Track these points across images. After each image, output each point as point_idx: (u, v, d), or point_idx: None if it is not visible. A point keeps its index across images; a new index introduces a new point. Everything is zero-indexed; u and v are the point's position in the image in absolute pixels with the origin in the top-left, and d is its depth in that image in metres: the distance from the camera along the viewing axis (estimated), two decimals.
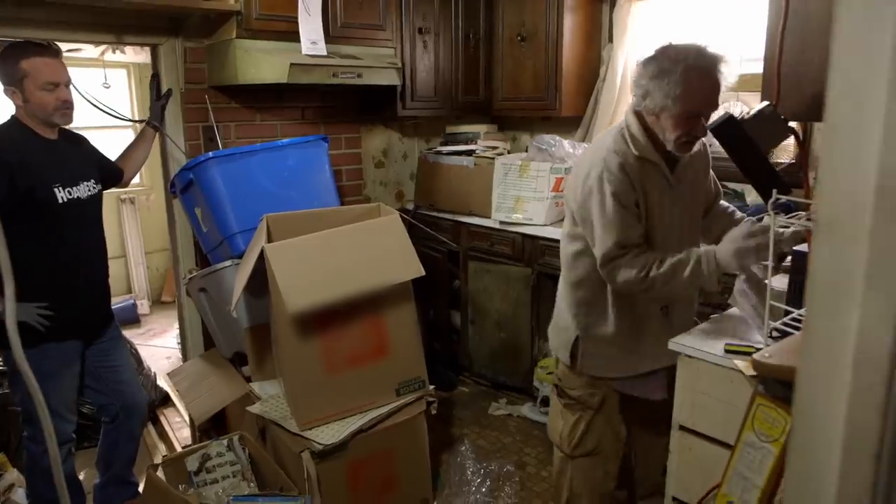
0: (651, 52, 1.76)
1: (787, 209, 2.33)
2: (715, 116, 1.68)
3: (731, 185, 3.06)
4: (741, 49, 3.01)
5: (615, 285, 1.84)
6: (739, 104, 2.99)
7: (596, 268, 1.89)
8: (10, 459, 3.07)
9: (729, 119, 1.47)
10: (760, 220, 1.88)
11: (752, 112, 1.49)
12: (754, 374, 0.92)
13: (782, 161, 2.80)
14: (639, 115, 1.83)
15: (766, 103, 1.49)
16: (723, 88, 1.72)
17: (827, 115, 0.50)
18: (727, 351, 1.48)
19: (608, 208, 1.77)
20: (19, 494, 2.89)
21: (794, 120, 1.61)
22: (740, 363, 1.36)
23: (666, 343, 1.91)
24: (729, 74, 1.71)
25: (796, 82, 1.59)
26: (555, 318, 2.14)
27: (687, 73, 1.65)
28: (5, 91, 2.28)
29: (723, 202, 2.16)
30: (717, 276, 1.72)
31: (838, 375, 0.49)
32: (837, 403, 0.49)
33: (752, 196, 2.94)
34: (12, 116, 2.32)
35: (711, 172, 2.08)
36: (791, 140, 2.69)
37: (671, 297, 1.92)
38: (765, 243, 1.55)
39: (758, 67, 2.91)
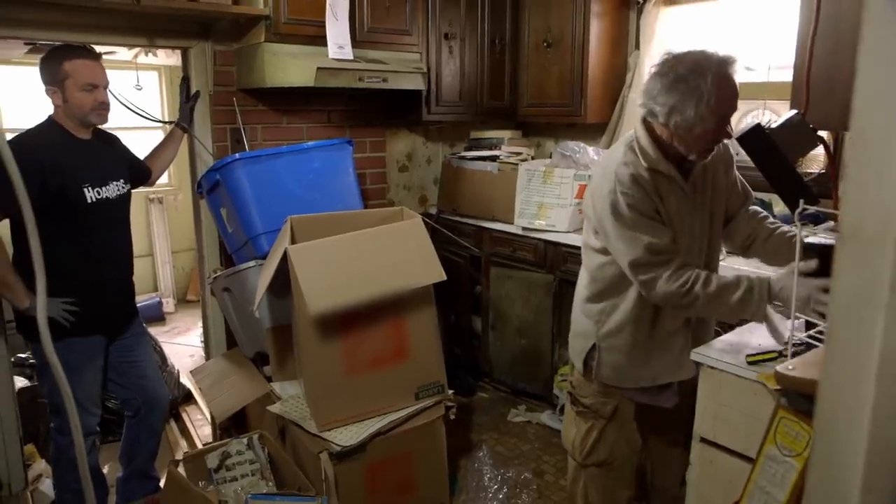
0: (662, 66, 1.68)
1: (815, 220, 2.29)
2: (738, 125, 1.65)
3: (759, 194, 3.01)
4: (770, 57, 2.98)
5: (654, 297, 1.76)
6: (767, 113, 2.95)
7: (618, 279, 1.87)
8: (38, 450, 3.13)
9: (756, 128, 1.45)
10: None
11: (780, 121, 1.47)
12: (777, 387, 0.90)
13: (811, 171, 2.75)
14: (648, 126, 1.79)
15: (794, 112, 1.46)
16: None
17: (853, 123, 0.49)
18: (749, 363, 1.46)
19: (628, 220, 1.73)
20: (46, 485, 2.95)
21: (824, 129, 1.58)
22: (764, 377, 1.33)
23: (685, 357, 1.88)
24: (740, 74, 1.67)
25: (826, 90, 1.57)
26: (572, 325, 2.12)
27: (718, 81, 1.60)
28: (46, 91, 2.36)
29: (757, 209, 2.04)
30: (766, 308, 1.64)
31: (862, 387, 0.48)
32: (860, 416, 0.48)
33: (779, 206, 2.88)
34: (49, 117, 2.40)
35: (737, 174, 1.99)
36: (820, 150, 2.65)
37: (707, 316, 1.88)
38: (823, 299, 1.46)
39: (787, 76, 2.88)
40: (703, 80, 1.59)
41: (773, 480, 0.90)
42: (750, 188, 2.05)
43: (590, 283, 1.99)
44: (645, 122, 1.80)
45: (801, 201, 1.26)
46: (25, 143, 2.29)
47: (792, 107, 1.70)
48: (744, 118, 3.08)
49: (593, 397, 2.02)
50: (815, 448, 0.53)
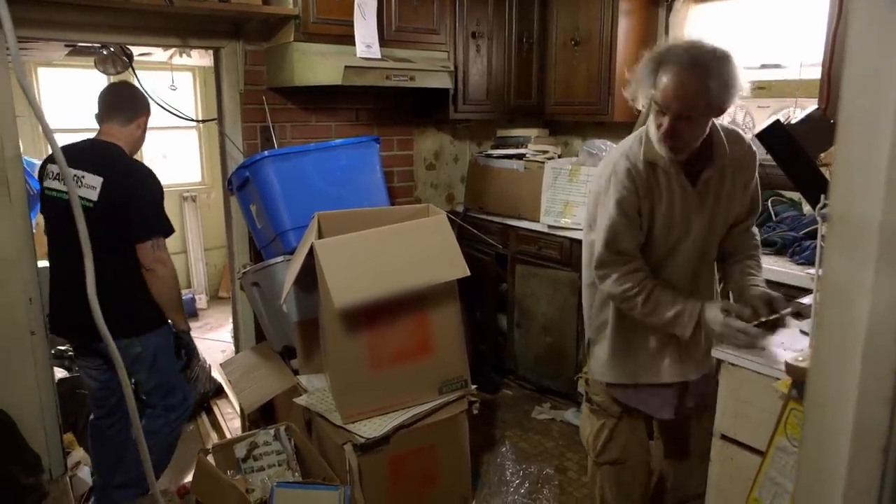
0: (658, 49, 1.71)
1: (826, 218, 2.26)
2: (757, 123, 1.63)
3: (788, 194, 2.98)
4: (802, 54, 2.94)
5: (602, 291, 1.87)
6: (798, 111, 2.91)
7: None
8: (77, 439, 3.24)
9: (775, 124, 1.44)
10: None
11: (800, 117, 1.46)
12: (786, 391, 0.90)
13: None
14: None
15: (815, 107, 1.45)
16: (714, 91, 1.58)
17: (841, 110, 0.51)
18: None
19: (610, 212, 1.77)
20: (84, 472, 3.05)
21: None
22: (783, 385, 1.30)
23: (668, 359, 1.90)
24: (728, 80, 1.58)
25: None
26: None
27: (673, 67, 1.59)
28: (134, 121, 2.41)
29: (754, 232, 2.02)
30: (691, 330, 1.75)
31: (848, 367, 0.50)
32: (847, 395, 0.50)
33: (808, 206, 2.85)
34: (117, 147, 2.34)
35: (756, 184, 1.94)
36: None
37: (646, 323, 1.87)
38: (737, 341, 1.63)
39: (817, 73, 2.84)
40: (665, 62, 1.62)
41: (783, 471, 0.90)
42: (760, 205, 2.01)
43: (587, 277, 2.01)
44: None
45: (823, 197, 1.25)
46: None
47: (818, 103, 1.68)
48: (772, 116, 3.04)
49: (602, 395, 2.03)
50: (807, 426, 0.54)
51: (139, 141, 2.40)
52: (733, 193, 1.86)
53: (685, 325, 1.74)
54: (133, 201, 2.22)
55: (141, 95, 2.43)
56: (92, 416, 2.63)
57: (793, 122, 1.45)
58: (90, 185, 2.15)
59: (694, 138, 1.68)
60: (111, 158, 2.27)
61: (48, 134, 0.85)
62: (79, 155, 2.21)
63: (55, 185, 2.23)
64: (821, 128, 1.42)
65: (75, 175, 2.16)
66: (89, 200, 2.15)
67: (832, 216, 0.51)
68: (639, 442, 2.04)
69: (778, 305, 1.73)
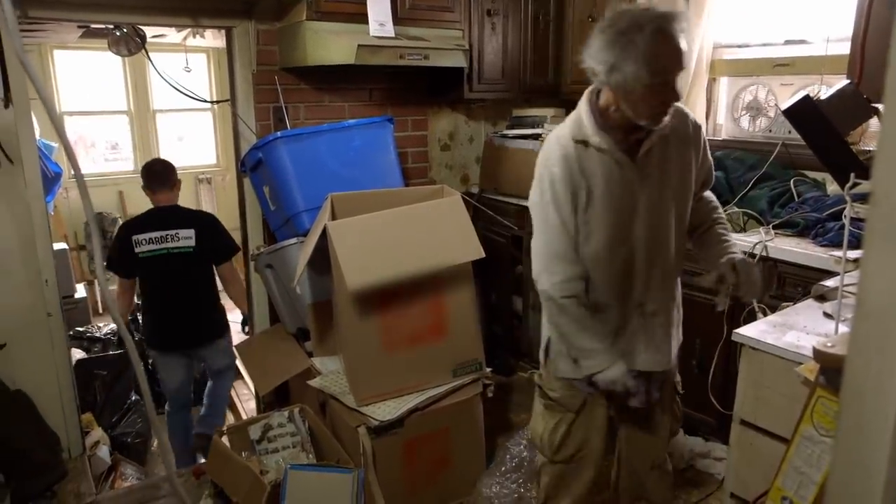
0: (603, 22, 1.57)
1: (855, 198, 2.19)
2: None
3: (811, 174, 2.91)
4: (828, 29, 2.84)
5: (538, 286, 1.78)
6: (824, 88, 2.82)
7: None
8: (95, 419, 3.29)
9: (804, 100, 1.38)
10: None
11: (832, 92, 1.40)
12: (809, 377, 0.86)
13: (869, 148, 2.63)
14: (591, 96, 1.69)
15: (846, 82, 1.39)
16: (686, 49, 1.53)
17: (890, 80, 0.47)
18: None
19: (545, 209, 1.69)
20: (103, 451, 3.09)
21: (879, 102, 1.50)
22: (806, 369, 1.26)
23: (651, 345, 1.80)
24: (686, 34, 1.53)
25: (883, 60, 1.48)
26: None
27: (653, 35, 1.48)
28: (174, 187, 3.12)
29: (710, 195, 1.93)
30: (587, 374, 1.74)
31: (890, 355, 0.46)
32: (889, 385, 0.46)
33: (832, 186, 2.77)
34: (180, 207, 3.11)
35: (707, 155, 1.84)
36: (878, 124, 2.53)
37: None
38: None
39: (844, 48, 2.75)
40: (640, 35, 1.47)
41: (808, 461, 0.87)
42: (713, 173, 1.91)
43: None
44: (591, 94, 1.69)
45: (853, 176, 1.20)
46: None
47: (847, 77, 1.62)
48: (798, 93, 2.95)
49: (560, 391, 1.91)
50: (842, 419, 0.50)
51: (178, 197, 3.09)
52: (683, 169, 1.75)
53: (596, 366, 1.71)
54: (217, 239, 3.07)
55: (173, 167, 3.09)
56: (168, 411, 3.27)
57: (822, 97, 1.39)
58: (186, 237, 2.93)
59: (678, 99, 1.61)
60: (188, 216, 3.03)
61: (51, 114, 0.83)
62: (165, 220, 2.95)
63: (149, 247, 2.91)
64: (853, 103, 1.37)
65: (170, 234, 2.93)
66: (189, 247, 2.95)
67: (875, 195, 0.47)
68: (598, 436, 1.93)
69: (742, 269, 1.69)
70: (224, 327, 3.24)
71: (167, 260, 2.90)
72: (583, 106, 1.69)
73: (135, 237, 2.89)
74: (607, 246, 1.71)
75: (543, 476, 2.04)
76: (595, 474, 1.98)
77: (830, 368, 0.83)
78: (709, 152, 1.83)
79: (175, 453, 3.15)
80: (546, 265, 1.74)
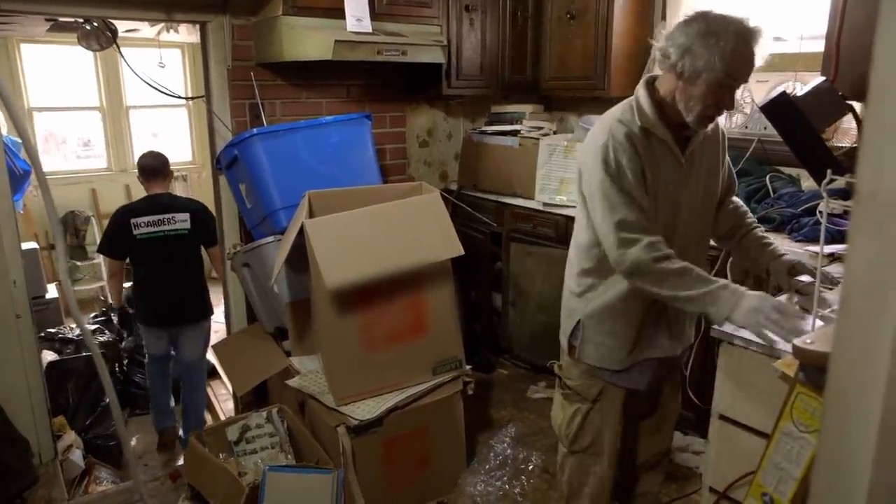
0: (691, 15, 1.62)
1: (844, 195, 2.22)
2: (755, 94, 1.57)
3: (787, 170, 2.94)
4: (802, 26, 2.88)
5: (625, 260, 1.66)
6: (798, 84, 2.85)
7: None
8: (68, 422, 3.21)
9: (781, 96, 1.39)
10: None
11: (807, 89, 1.41)
12: (791, 374, 0.87)
13: (842, 144, 2.66)
14: (650, 87, 1.73)
15: (822, 79, 1.40)
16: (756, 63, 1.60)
17: (872, 77, 0.46)
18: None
19: (619, 177, 1.66)
20: (76, 455, 3.02)
21: (854, 99, 1.51)
22: (783, 364, 1.26)
23: (668, 330, 1.86)
24: (762, 52, 1.59)
25: (858, 57, 1.50)
26: (563, 303, 2.01)
27: (739, 37, 1.54)
28: (167, 178, 3.41)
29: (737, 200, 1.98)
30: (727, 311, 1.57)
31: (875, 357, 0.45)
32: (874, 387, 0.46)
33: (807, 182, 2.81)
34: (174, 195, 3.42)
35: (728, 161, 1.92)
36: (851, 122, 2.56)
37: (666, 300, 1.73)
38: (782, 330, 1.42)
39: (817, 46, 2.77)
40: (726, 30, 1.53)
41: (788, 457, 0.87)
42: (736, 179, 1.98)
43: (580, 257, 1.88)
44: (647, 84, 1.74)
45: (829, 172, 1.21)
46: None
47: (822, 75, 1.63)
48: (773, 90, 2.98)
49: (578, 379, 1.94)
50: (826, 420, 0.50)
51: (170, 186, 3.35)
52: (712, 171, 1.83)
53: (725, 303, 1.57)
54: (209, 223, 3.29)
55: (167, 159, 3.35)
56: (147, 370, 3.56)
57: (798, 94, 1.40)
58: (182, 220, 3.20)
59: (731, 109, 1.69)
60: (183, 202, 3.31)
61: (10, 109, 0.79)
62: (162, 205, 3.20)
63: (147, 229, 3.15)
64: (828, 100, 1.38)
65: (167, 217, 3.18)
66: (185, 229, 3.21)
67: (859, 193, 0.46)
68: (611, 429, 1.96)
69: (802, 269, 1.74)
70: (209, 309, 3.47)
71: (164, 241, 3.16)
72: (642, 95, 1.71)
73: (133, 220, 3.13)
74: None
75: (565, 469, 2.07)
76: (615, 466, 2.01)
77: (810, 365, 0.84)
78: (728, 159, 1.91)
79: (158, 412, 3.46)
80: (623, 239, 1.66)
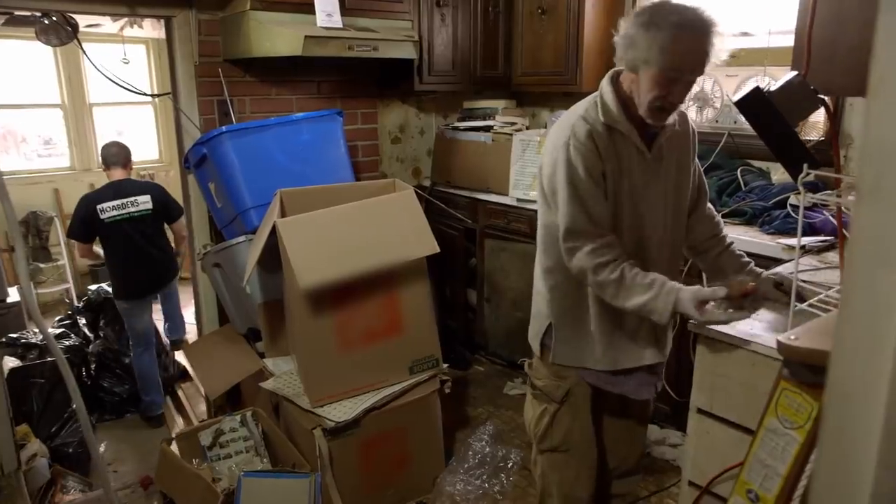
0: (644, 6, 1.62)
1: (814, 188, 2.25)
2: (735, 89, 1.58)
3: (756, 163, 2.98)
4: (770, 21, 2.91)
5: (572, 267, 1.70)
6: (767, 78, 2.89)
7: None
8: (32, 430, 3.11)
9: (755, 91, 1.39)
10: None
11: (779, 83, 1.41)
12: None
13: (811, 138, 2.70)
14: (615, 82, 1.71)
15: (794, 73, 1.41)
16: (711, 59, 1.56)
17: (873, 68, 0.45)
18: None
19: (575, 179, 1.65)
20: (42, 464, 2.93)
21: (825, 93, 1.52)
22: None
23: (652, 338, 1.83)
24: (721, 47, 1.56)
25: (828, 53, 1.51)
26: (532, 306, 1.99)
27: (678, 28, 1.51)
28: (127, 166, 3.53)
29: (711, 208, 1.97)
30: (670, 314, 1.60)
31: (878, 355, 0.44)
32: (876, 387, 0.45)
33: (777, 174, 2.85)
34: (134, 180, 3.55)
35: (698, 165, 1.90)
36: (819, 116, 2.60)
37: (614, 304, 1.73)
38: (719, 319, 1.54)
39: (788, 41, 2.81)
40: (665, 21, 1.51)
41: (773, 453, 0.87)
42: (706, 184, 1.97)
43: (544, 257, 1.87)
44: (612, 78, 1.72)
45: (806, 166, 1.21)
46: None
47: (793, 69, 1.64)
48: (743, 84, 3.01)
49: (545, 380, 1.91)
50: (826, 420, 0.49)
51: (130, 173, 3.55)
52: (682, 167, 1.81)
53: (659, 312, 1.61)
54: (168, 201, 3.50)
55: (128, 149, 3.55)
56: (137, 351, 3.57)
57: (772, 88, 1.40)
58: (144, 202, 3.40)
59: (681, 103, 1.65)
60: (142, 185, 3.54)
61: None
62: (124, 190, 3.40)
63: (113, 213, 3.36)
64: (801, 95, 1.38)
65: (130, 200, 3.39)
66: (147, 209, 3.40)
67: (861, 187, 0.45)
68: (581, 429, 1.93)
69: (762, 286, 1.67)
70: (177, 271, 3.77)
71: (129, 221, 3.38)
72: (606, 90, 1.69)
73: (99, 206, 3.34)
74: (620, 234, 1.73)
75: (537, 466, 2.05)
76: (588, 467, 1.98)
77: (795, 361, 0.83)
78: (697, 160, 1.90)
79: (146, 390, 3.57)
80: (567, 248, 1.68)
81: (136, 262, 3.48)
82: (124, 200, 3.38)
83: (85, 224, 3.39)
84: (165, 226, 3.58)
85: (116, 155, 3.50)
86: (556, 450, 1.96)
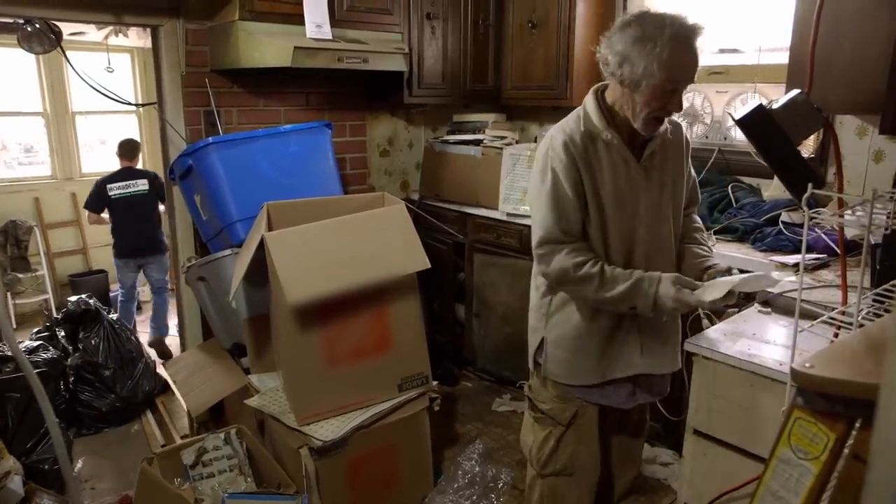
0: (627, 18, 1.61)
1: (808, 206, 2.24)
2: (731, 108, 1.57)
3: (747, 179, 2.98)
4: (761, 39, 2.92)
5: (549, 272, 1.71)
6: (758, 96, 2.89)
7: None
8: (6, 446, 3.01)
9: (758, 109, 1.37)
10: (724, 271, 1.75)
11: (782, 101, 1.39)
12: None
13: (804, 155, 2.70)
14: (597, 94, 1.72)
15: (797, 91, 1.39)
16: (699, 62, 1.59)
17: None
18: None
19: (550, 188, 1.68)
20: (16, 482, 2.83)
21: (830, 111, 1.51)
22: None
23: (634, 350, 1.81)
24: (704, 48, 1.58)
25: (823, 71, 1.50)
26: (529, 320, 1.98)
27: (675, 41, 1.51)
28: (135, 158, 4.76)
29: (697, 218, 1.98)
30: (651, 303, 1.62)
31: None
32: None
33: (768, 191, 2.84)
34: (138, 169, 4.75)
35: (693, 173, 1.91)
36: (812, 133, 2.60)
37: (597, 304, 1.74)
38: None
39: (778, 58, 2.81)
40: (661, 34, 1.51)
41: (786, 485, 0.84)
42: (699, 190, 1.98)
43: (535, 270, 1.85)
44: (595, 92, 1.73)
45: (810, 186, 1.19)
46: None
47: (790, 87, 1.63)
48: (734, 101, 3.02)
49: (551, 402, 1.88)
50: (872, 472, 0.45)
51: (137, 162, 4.67)
52: (676, 176, 1.80)
53: (644, 295, 1.61)
54: (161, 185, 4.32)
55: (139, 144, 4.73)
56: (122, 301, 4.69)
57: (774, 106, 1.38)
58: (143, 184, 4.46)
59: (679, 111, 1.66)
60: (142, 172, 4.60)
61: None
62: (128, 175, 4.46)
63: (119, 191, 4.41)
64: (803, 113, 1.37)
65: (132, 182, 4.44)
66: (144, 190, 4.46)
67: None
68: (587, 451, 1.91)
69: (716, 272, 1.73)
70: (166, 247, 4.50)
71: (131, 197, 4.41)
72: (590, 102, 1.71)
73: (108, 185, 4.40)
74: (608, 242, 1.72)
75: (534, 490, 2.01)
76: (589, 489, 1.95)
77: (809, 390, 0.81)
78: (691, 167, 1.90)
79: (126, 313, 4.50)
80: (540, 256, 1.72)
81: (131, 230, 4.50)
82: (128, 182, 4.42)
83: (97, 198, 4.45)
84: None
85: (126, 147, 4.60)
86: (560, 474, 1.92)
